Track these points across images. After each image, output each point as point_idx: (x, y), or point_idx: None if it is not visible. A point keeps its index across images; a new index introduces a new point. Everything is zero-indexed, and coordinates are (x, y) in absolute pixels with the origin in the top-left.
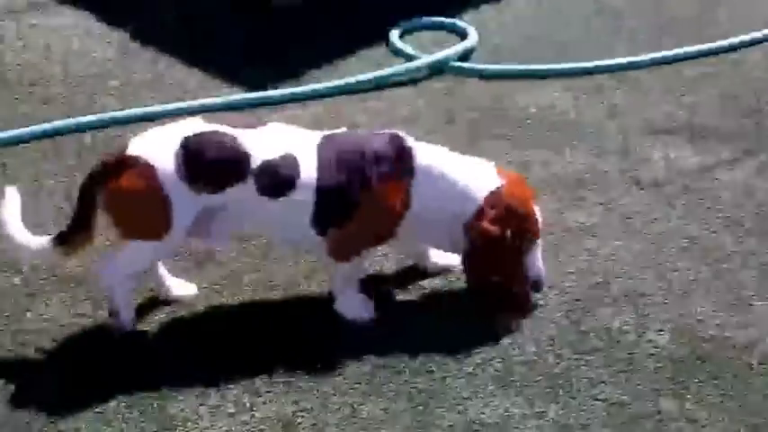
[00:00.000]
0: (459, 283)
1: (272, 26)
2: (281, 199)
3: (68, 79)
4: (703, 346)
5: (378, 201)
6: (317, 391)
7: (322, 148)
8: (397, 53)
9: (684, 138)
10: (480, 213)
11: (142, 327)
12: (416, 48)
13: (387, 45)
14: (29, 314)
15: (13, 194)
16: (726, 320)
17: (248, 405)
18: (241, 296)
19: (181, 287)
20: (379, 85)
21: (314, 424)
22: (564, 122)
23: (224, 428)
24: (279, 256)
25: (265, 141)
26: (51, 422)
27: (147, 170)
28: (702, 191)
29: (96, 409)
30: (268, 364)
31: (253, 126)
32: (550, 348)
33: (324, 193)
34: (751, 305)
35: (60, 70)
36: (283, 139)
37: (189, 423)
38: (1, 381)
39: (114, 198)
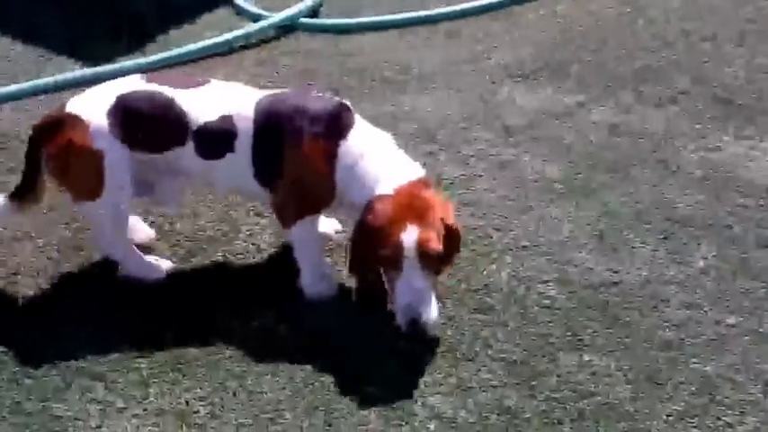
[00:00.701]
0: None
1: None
2: (220, 161)
3: None
4: (592, 294)
5: (308, 160)
6: (210, 376)
7: (260, 108)
8: (243, 14)
9: (543, 80)
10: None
11: (9, 324)
12: (263, 6)
13: (232, 6)
14: None
15: None
16: (611, 266)
17: (139, 398)
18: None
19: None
20: (228, 48)
21: (211, 411)
22: (422, 73)
23: (117, 425)
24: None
25: (204, 103)
26: None
27: (80, 127)
28: (570, 132)
29: None
30: (154, 351)
31: (193, 86)
32: (442, 310)
33: (259, 153)
34: (633, 248)
35: None
36: (223, 99)
37: (79, 423)
38: None
39: (53, 158)
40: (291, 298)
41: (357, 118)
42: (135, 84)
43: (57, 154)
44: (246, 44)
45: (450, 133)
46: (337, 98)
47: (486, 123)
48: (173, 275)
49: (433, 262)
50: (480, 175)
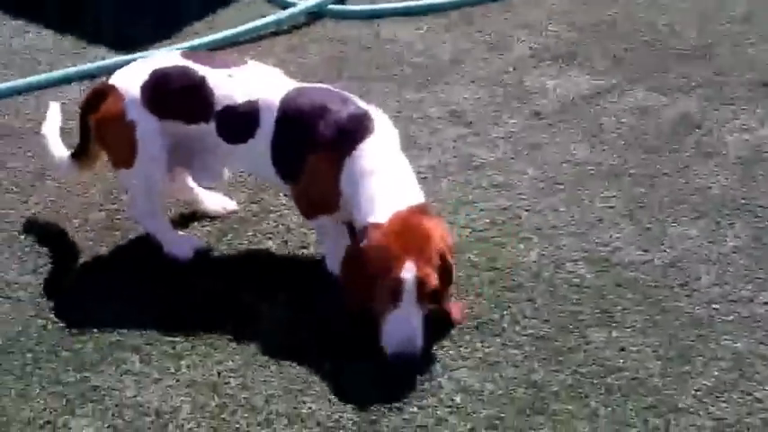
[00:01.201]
0: None
1: None
2: (240, 146)
3: None
4: (623, 273)
5: (314, 173)
6: (241, 350)
7: (286, 100)
8: (274, 1)
9: (573, 64)
10: (360, 233)
11: (48, 300)
12: None
13: None
14: None
15: (54, 110)
16: (642, 245)
17: (173, 369)
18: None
19: (217, 201)
20: (258, 34)
21: (242, 383)
22: (451, 58)
23: (152, 395)
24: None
25: (233, 85)
26: None
27: (116, 98)
28: (601, 116)
29: (19, 387)
30: (187, 326)
31: (228, 66)
32: (470, 287)
33: (277, 146)
34: (665, 227)
35: None
36: (252, 85)
37: (115, 393)
38: None
39: (94, 126)
40: (319, 276)
41: (376, 126)
42: (173, 59)
43: (97, 122)
44: (277, 30)
45: (479, 117)
46: (362, 104)
47: (516, 107)
48: (205, 254)
49: (428, 297)
50: (511, 158)
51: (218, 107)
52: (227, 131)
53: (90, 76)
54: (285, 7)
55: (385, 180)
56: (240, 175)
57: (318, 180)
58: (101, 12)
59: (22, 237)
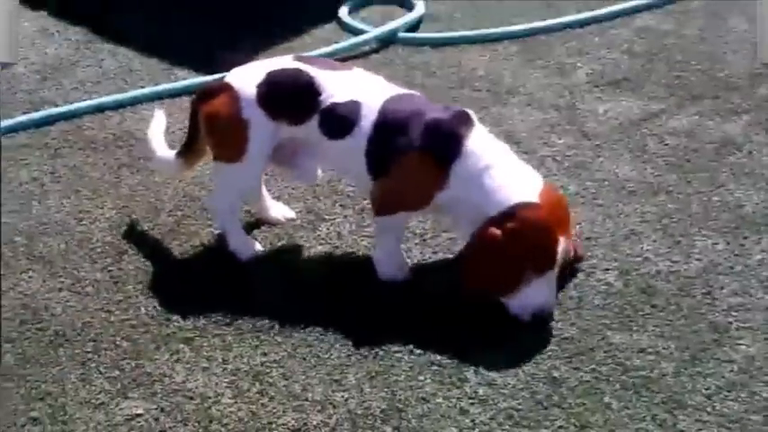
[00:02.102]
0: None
1: (220, 11)
2: (338, 141)
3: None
4: (649, 282)
5: (410, 170)
6: (285, 343)
7: (388, 103)
8: (347, 29)
9: (626, 90)
10: (499, 217)
11: (113, 295)
12: (367, 23)
13: (337, 22)
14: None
15: (160, 116)
16: (671, 257)
17: (221, 359)
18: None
19: (279, 210)
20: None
21: (282, 373)
22: (510, 83)
23: (199, 381)
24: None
25: (340, 84)
26: (31, 386)
27: (231, 96)
28: (647, 137)
29: (79, 372)
30: (237, 321)
31: (336, 69)
32: None
33: (373, 145)
34: (695, 240)
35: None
36: (356, 86)
37: (165, 379)
38: None
39: (204, 119)
40: (364, 277)
41: (474, 127)
42: (285, 62)
43: (209, 116)
44: (348, 56)
45: (530, 137)
46: (459, 109)
47: (567, 129)
48: (263, 258)
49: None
50: (555, 174)
51: (324, 104)
52: (329, 127)
53: (171, 95)
54: (358, 34)
55: (509, 165)
56: (297, 187)
57: (413, 177)
58: (185, 37)
59: (95, 238)
